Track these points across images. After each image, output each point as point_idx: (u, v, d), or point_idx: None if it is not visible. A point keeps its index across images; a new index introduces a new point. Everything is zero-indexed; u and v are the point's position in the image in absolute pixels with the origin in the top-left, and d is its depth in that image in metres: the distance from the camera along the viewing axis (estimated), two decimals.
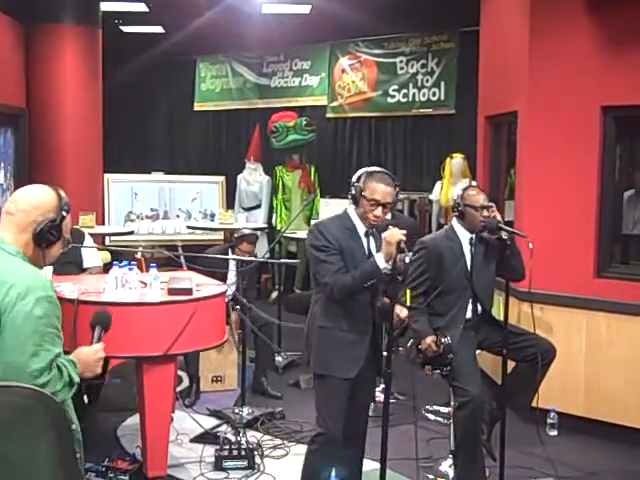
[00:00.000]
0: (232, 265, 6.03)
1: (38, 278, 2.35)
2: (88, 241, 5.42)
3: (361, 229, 3.57)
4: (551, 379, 4.49)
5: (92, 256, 5.36)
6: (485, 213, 4.29)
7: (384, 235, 3.44)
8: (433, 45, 9.64)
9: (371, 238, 3.61)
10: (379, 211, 3.50)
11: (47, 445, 2.08)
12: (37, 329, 2.26)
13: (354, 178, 3.61)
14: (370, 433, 3.84)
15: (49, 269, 4.19)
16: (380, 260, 3.43)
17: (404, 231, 3.49)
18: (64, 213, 2.48)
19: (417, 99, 9.79)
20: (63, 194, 2.54)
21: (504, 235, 4.24)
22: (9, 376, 2.18)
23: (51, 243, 2.46)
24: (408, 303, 4.15)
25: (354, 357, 3.55)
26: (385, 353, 3.62)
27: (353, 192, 3.54)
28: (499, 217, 4.31)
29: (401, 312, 4.38)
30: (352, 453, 3.74)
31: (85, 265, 5.26)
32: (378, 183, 3.51)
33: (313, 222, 3.71)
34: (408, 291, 4.39)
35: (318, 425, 3.60)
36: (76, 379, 2.39)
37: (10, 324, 2.24)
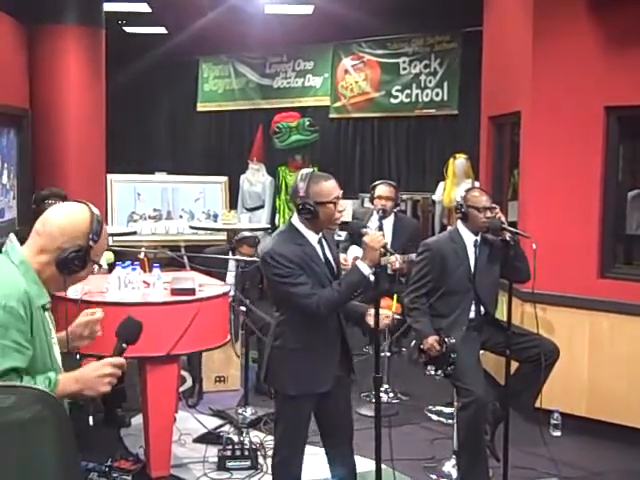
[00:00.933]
0: (231, 267, 6.01)
1: (8, 286, 2.21)
2: None
3: (313, 238, 3.37)
4: (554, 380, 4.48)
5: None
6: (488, 214, 4.30)
7: (365, 240, 3.28)
8: (436, 45, 9.64)
9: (324, 243, 3.43)
10: (341, 205, 3.34)
11: (51, 447, 2.07)
12: None
13: (298, 193, 3.28)
14: (372, 434, 3.83)
15: None
16: (364, 268, 3.26)
17: (381, 232, 3.40)
18: (92, 243, 2.32)
19: (420, 100, 9.79)
20: (98, 217, 2.37)
21: (508, 236, 4.24)
22: None
23: (73, 272, 2.33)
24: (393, 309, 4.10)
25: (329, 370, 3.44)
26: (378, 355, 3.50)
27: (309, 208, 3.25)
28: (503, 218, 4.32)
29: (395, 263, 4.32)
30: (343, 456, 3.70)
31: None
32: (325, 182, 3.31)
33: (262, 251, 3.42)
34: (395, 296, 4.38)
35: (279, 444, 3.53)
36: None
37: None
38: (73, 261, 2.30)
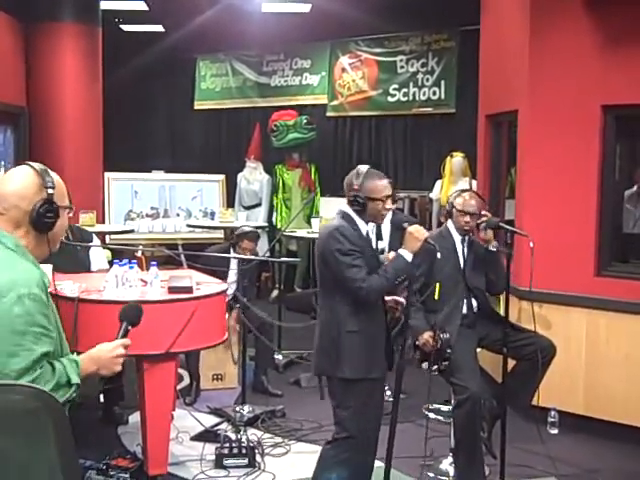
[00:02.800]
0: (233, 264, 6.02)
1: (25, 274, 2.24)
2: (95, 243, 5.40)
3: (362, 227, 3.56)
4: (551, 378, 4.49)
5: (100, 258, 5.32)
6: (467, 219, 4.39)
7: (410, 229, 3.49)
8: (433, 44, 9.64)
9: (372, 235, 3.65)
10: (389, 203, 3.56)
11: (48, 445, 2.07)
12: (16, 328, 2.16)
13: (352, 185, 3.53)
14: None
15: (49, 267, 4.18)
16: (407, 255, 3.47)
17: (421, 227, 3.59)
18: (50, 191, 2.34)
19: (417, 98, 9.79)
20: (39, 169, 2.38)
21: (491, 247, 4.43)
22: None
23: (52, 225, 2.36)
24: (436, 297, 4.26)
25: (381, 356, 3.59)
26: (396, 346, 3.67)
27: (359, 201, 3.48)
28: (490, 234, 4.43)
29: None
30: (373, 455, 3.72)
31: (93, 267, 5.20)
32: (379, 180, 3.54)
33: (326, 225, 3.58)
34: (437, 285, 4.45)
35: (344, 429, 3.52)
36: (74, 380, 2.28)
37: None
38: (45, 214, 2.33)
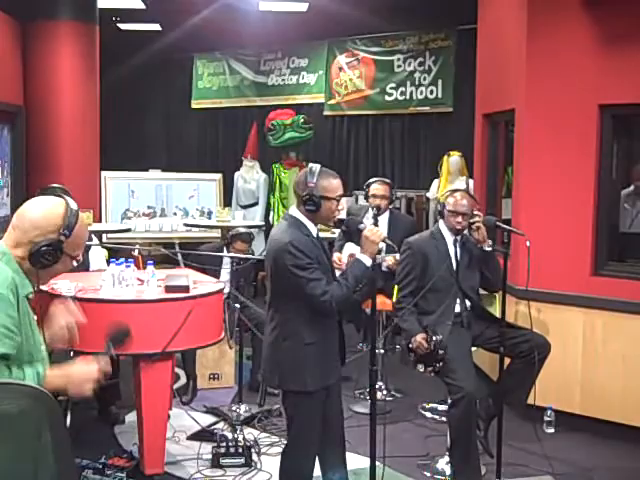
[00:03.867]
0: (226, 263, 6.01)
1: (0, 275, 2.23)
2: (93, 243, 5.40)
3: (313, 230, 3.43)
4: (548, 377, 4.50)
5: (99, 259, 5.31)
6: (459, 219, 4.37)
7: (366, 233, 3.36)
8: (430, 43, 9.64)
9: (319, 236, 3.51)
10: (341, 204, 3.47)
11: (43, 445, 2.06)
12: None
13: (307, 183, 3.36)
14: (367, 431, 3.83)
15: None
16: (366, 259, 3.35)
17: (378, 227, 3.49)
18: (62, 237, 2.32)
19: (414, 97, 9.79)
20: (73, 212, 2.36)
21: (486, 247, 4.41)
22: None
23: (45, 265, 2.33)
24: (394, 299, 4.22)
25: (336, 362, 3.53)
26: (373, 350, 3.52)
27: (314, 200, 3.33)
28: (483, 231, 4.40)
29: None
30: (336, 455, 3.70)
31: (92, 267, 5.19)
32: (333, 179, 3.41)
33: (276, 239, 3.39)
34: (395, 287, 4.45)
35: (294, 443, 3.51)
36: None
37: None
38: (44, 255, 2.30)
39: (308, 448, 3.49)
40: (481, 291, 4.66)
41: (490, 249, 4.44)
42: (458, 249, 4.49)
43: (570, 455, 4.69)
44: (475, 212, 4.45)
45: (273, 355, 3.46)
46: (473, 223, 4.40)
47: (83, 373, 2.34)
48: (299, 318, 3.37)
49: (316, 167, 3.43)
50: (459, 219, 4.40)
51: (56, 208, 2.35)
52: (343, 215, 3.83)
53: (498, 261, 4.40)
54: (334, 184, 3.39)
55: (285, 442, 4.86)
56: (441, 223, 4.55)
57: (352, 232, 3.49)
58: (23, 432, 2.03)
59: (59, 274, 2.46)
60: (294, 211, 3.43)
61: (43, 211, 2.34)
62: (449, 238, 4.49)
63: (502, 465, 4.14)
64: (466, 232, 4.49)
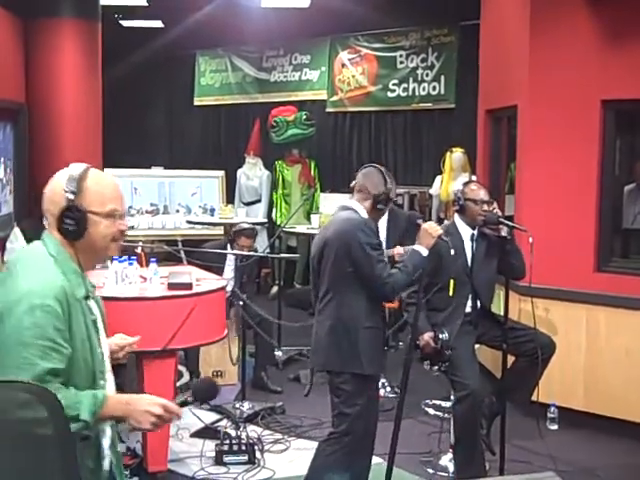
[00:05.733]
0: (230, 260, 6.01)
1: (44, 284, 2.09)
2: None
3: (370, 223, 3.63)
4: (551, 373, 4.49)
5: None
6: (485, 207, 4.30)
7: (425, 226, 3.58)
8: (433, 39, 9.61)
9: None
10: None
11: (47, 444, 2.06)
12: (22, 340, 2.03)
13: (386, 185, 3.67)
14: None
15: None
16: (424, 251, 3.54)
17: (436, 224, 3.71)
18: (70, 195, 2.15)
19: (417, 93, 9.77)
20: (73, 171, 2.19)
21: (504, 232, 4.25)
22: None
23: (73, 233, 2.16)
24: (450, 293, 4.26)
25: (384, 353, 3.76)
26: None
27: (386, 201, 3.66)
28: (499, 212, 4.33)
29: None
30: (371, 454, 3.73)
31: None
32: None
33: (348, 218, 3.55)
34: (452, 281, 4.40)
35: (349, 427, 3.53)
36: (83, 416, 2.05)
37: (1, 331, 2.06)
38: (65, 221, 2.15)
39: (354, 434, 3.54)
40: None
41: (509, 236, 4.32)
42: (475, 245, 4.40)
43: (573, 451, 4.69)
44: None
45: (329, 337, 3.55)
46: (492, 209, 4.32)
47: (147, 404, 2.17)
48: (359, 301, 3.52)
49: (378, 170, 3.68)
50: (484, 207, 4.31)
51: (59, 175, 2.21)
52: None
53: (518, 246, 4.34)
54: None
55: (288, 439, 4.90)
56: (457, 218, 4.44)
57: (412, 225, 3.69)
58: (28, 430, 2.03)
59: (104, 241, 2.22)
60: (352, 202, 3.63)
61: (50, 185, 2.22)
62: (466, 234, 4.40)
63: (505, 462, 4.14)
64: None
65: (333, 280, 3.55)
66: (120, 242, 2.27)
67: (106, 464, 2.27)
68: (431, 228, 3.59)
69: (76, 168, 2.22)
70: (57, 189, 2.18)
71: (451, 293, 4.24)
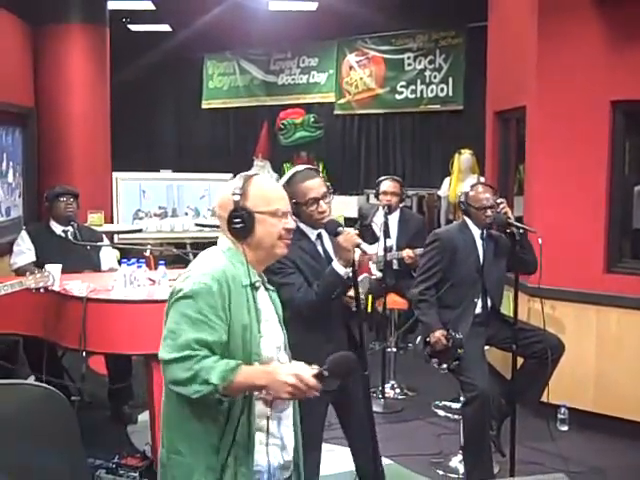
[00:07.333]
0: None
1: (208, 266, 2.31)
2: (105, 244, 5.42)
3: (312, 235, 3.36)
4: (561, 374, 4.47)
5: (110, 258, 5.32)
6: (489, 213, 4.28)
7: (338, 240, 3.17)
8: (441, 41, 9.62)
9: (325, 239, 3.39)
10: (322, 206, 3.28)
11: (56, 444, 2.06)
12: (179, 310, 2.24)
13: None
14: (380, 430, 3.83)
15: (58, 267, 4.19)
16: (339, 267, 3.19)
17: (355, 231, 3.25)
18: (237, 197, 2.35)
19: (425, 95, 9.78)
20: (240, 175, 2.43)
21: (514, 229, 4.23)
22: None
23: (241, 231, 2.35)
24: (368, 310, 4.07)
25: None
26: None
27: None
28: (509, 213, 4.30)
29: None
30: (363, 454, 3.68)
31: (103, 267, 5.20)
32: (303, 182, 3.28)
33: None
34: (369, 297, 4.33)
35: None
36: (212, 380, 2.12)
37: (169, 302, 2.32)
38: (234, 222, 2.36)
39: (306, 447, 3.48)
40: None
41: (517, 236, 4.26)
42: (485, 243, 4.38)
43: (584, 453, 4.66)
44: (499, 200, 4.36)
45: None
46: (500, 211, 4.29)
47: (285, 374, 2.17)
48: (290, 320, 3.13)
49: (293, 172, 3.35)
50: (488, 212, 4.28)
51: (227, 185, 2.45)
52: (353, 213, 3.77)
53: (530, 241, 4.32)
54: (304, 187, 3.28)
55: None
56: (466, 218, 4.43)
57: (331, 235, 3.35)
58: (36, 430, 2.04)
59: (271, 238, 2.38)
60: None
61: (220, 195, 2.47)
62: (476, 232, 4.39)
63: (516, 463, 4.12)
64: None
65: None
66: (287, 240, 2.43)
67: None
68: (346, 240, 3.12)
69: (242, 175, 2.45)
70: (226, 195, 2.41)
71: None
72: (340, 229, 3.20)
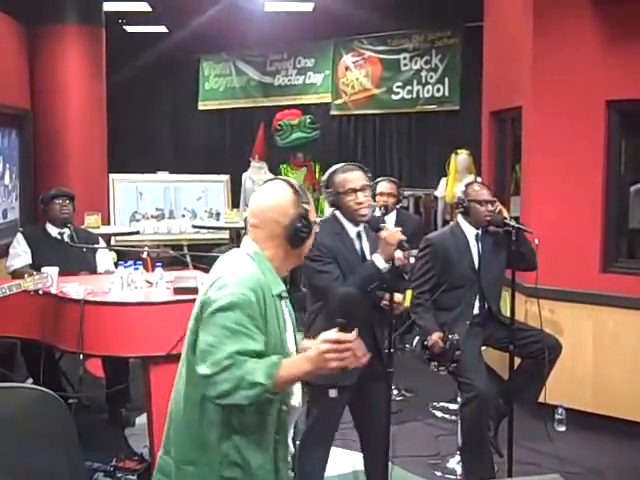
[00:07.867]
0: None
1: (241, 275, 2.26)
2: (101, 245, 5.41)
3: (351, 231, 3.48)
4: (559, 375, 4.48)
5: (106, 260, 5.32)
6: (490, 207, 4.29)
7: (383, 235, 3.34)
8: (437, 41, 9.63)
9: (363, 238, 3.52)
10: (360, 197, 3.43)
11: (53, 446, 2.06)
12: (217, 322, 2.18)
13: (324, 186, 3.56)
14: None
15: (55, 270, 4.19)
16: (379, 261, 3.34)
17: (399, 229, 3.42)
18: (305, 205, 2.38)
19: (421, 95, 9.78)
20: (295, 183, 2.44)
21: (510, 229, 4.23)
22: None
23: (302, 240, 2.38)
24: (407, 304, 4.15)
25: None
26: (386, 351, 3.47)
27: (331, 198, 3.48)
28: (505, 213, 4.31)
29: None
30: (373, 455, 3.68)
31: (99, 269, 5.19)
32: (344, 174, 3.48)
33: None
34: (409, 292, 4.40)
35: (308, 437, 3.48)
36: (259, 379, 2.11)
37: (204, 315, 2.24)
38: (301, 230, 2.35)
39: (319, 445, 3.50)
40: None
41: (513, 236, 4.27)
42: (480, 244, 4.38)
43: (581, 453, 4.67)
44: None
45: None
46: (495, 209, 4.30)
47: (317, 349, 2.17)
48: (319, 312, 3.43)
49: (337, 167, 3.56)
50: (489, 207, 4.28)
51: (283, 188, 2.41)
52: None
53: (527, 237, 4.32)
54: (343, 178, 3.48)
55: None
56: (461, 219, 4.41)
57: (373, 230, 3.47)
58: (34, 433, 2.04)
59: (309, 247, 2.47)
60: (336, 210, 3.52)
61: (277, 196, 2.40)
62: (470, 234, 4.38)
63: (513, 464, 4.12)
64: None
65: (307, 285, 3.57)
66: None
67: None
68: (390, 235, 3.33)
69: (295, 184, 2.44)
70: (287, 199, 2.38)
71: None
72: (382, 225, 3.40)
